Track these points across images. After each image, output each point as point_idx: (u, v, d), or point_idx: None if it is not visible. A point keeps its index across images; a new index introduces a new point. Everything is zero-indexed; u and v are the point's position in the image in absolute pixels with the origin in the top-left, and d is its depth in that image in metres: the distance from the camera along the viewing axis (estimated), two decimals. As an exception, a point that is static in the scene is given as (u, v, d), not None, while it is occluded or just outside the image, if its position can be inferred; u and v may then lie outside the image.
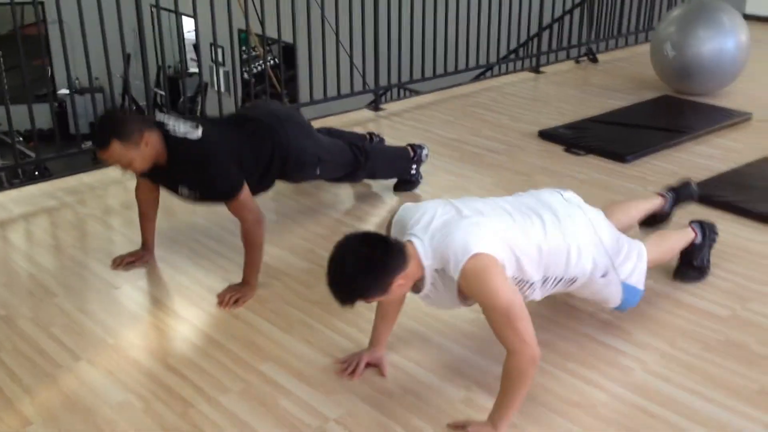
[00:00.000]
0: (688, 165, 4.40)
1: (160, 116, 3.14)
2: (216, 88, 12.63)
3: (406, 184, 4.05)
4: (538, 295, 2.59)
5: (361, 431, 2.39)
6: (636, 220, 3.22)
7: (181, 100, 11.91)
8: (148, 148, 2.96)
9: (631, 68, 6.38)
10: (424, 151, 4.08)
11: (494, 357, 2.56)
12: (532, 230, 2.50)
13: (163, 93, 12.63)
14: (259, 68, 10.44)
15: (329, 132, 4.00)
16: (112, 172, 4.41)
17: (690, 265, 3.18)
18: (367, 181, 4.09)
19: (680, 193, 3.40)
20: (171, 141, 3.04)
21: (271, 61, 11.27)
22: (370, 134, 4.27)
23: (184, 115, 3.14)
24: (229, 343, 2.84)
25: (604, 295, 2.76)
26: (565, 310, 3.00)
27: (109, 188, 4.20)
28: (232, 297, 3.09)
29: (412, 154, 4.03)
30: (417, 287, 2.42)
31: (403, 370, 2.68)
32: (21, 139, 9.39)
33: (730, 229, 3.61)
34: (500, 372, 2.31)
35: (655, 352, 2.75)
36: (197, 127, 3.08)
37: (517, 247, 2.42)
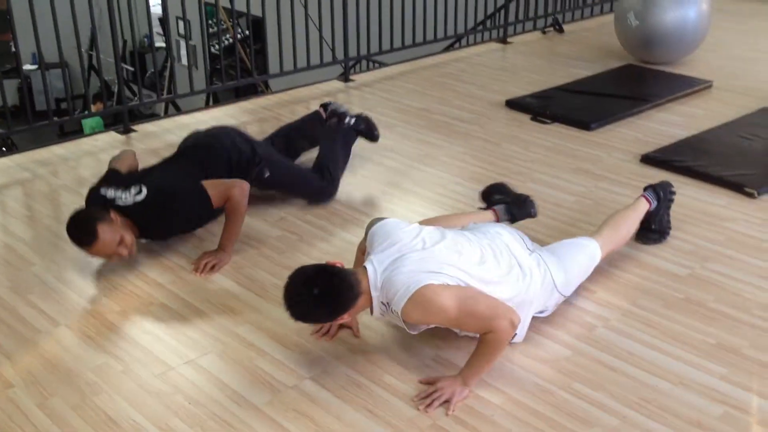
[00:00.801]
0: (651, 132, 4.51)
1: (105, 192, 3.17)
2: (183, 62, 12.55)
3: (367, 133, 4.01)
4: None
5: (335, 388, 2.48)
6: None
7: (148, 74, 11.86)
8: (119, 223, 3.04)
9: (597, 38, 6.46)
10: (350, 119, 4.00)
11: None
12: (499, 273, 2.57)
13: (132, 69, 12.52)
14: (228, 42, 10.39)
15: (287, 134, 4.01)
16: (84, 144, 4.45)
17: (650, 229, 3.28)
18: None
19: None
20: (128, 211, 3.11)
21: (240, 35, 11.25)
22: (324, 105, 4.17)
23: (124, 183, 3.20)
24: (206, 308, 2.91)
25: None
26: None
27: (82, 159, 4.23)
28: (207, 263, 3.16)
29: (354, 133, 3.98)
30: (371, 309, 2.51)
31: (376, 330, 2.77)
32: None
33: (690, 192, 3.74)
34: (470, 330, 2.43)
35: (617, 310, 2.87)
36: (139, 189, 3.15)
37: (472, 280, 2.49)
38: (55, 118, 5.06)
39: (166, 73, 11.41)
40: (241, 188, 3.22)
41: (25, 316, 2.86)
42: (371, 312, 2.52)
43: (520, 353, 2.63)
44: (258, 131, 4.28)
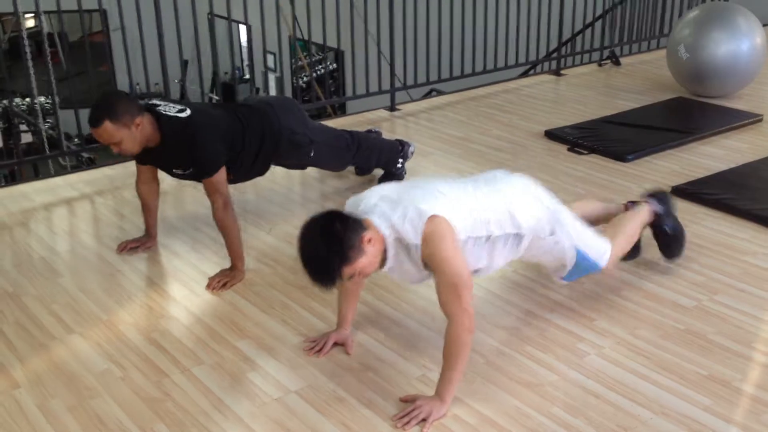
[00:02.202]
0: (689, 164, 4.46)
1: (154, 100, 3.36)
2: (270, 93, 12.96)
3: (391, 176, 4.18)
4: (492, 262, 2.71)
5: (317, 402, 2.56)
6: (594, 216, 3.23)
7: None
8: (138, 131, 3.18)
9: (653, 71, 6.41)
10: (411, 149, 4.25)
11: (450, 337, 2.70)
12: (473, 194, 2.66)
13: (217, 98, 12.99)
14: (311, 76, 10.75)
15: None
16: (132, 166, 4.66)
17: (665, 235, 3.24)
18: (358, 177, 4.27)
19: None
20: (163, 120, 3.25)
21: (322, 67, 11.61)
22: (368, 131, 4.42)
23: (176, 100, 3.38)
24: (211, 321, 3.04)
25: (554, 255, 2.86)
26: (534, 299, 3.12)
27: (127, 180, 4.44)
28: (220, 281, 3.29)
29: (400, 148, 4.19)
30: (382, 260, 2.54)
31: (367, 348, 2.83)
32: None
33: (713, 225, 3.68)
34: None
35: (612, 339, 2.86)
36: (185, 109, 3.30)
37: (462, 207, 2.57)
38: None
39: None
40: (224, 203, 3.27)
41: (44, 322, 3.04)
42: (384, 259, 2.51)
43: (504, 376, 2.65)
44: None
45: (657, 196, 3.30)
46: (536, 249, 2.81)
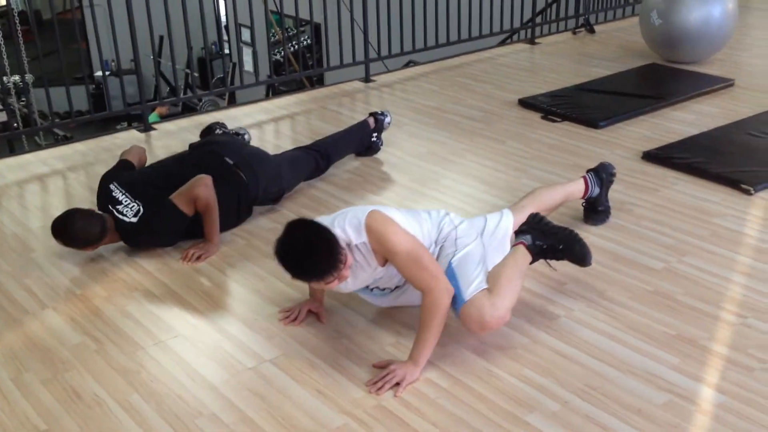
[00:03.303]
0: (661, 130, 4.49)
1: (113, 189, 3.37)
2: (247, 68, 12.88)
3: (367, 150, 4.21)
4: None
5: (291, 370, 2.58)
6: (556, 203, 3.25)
7: (213, 80, 12.19)
8: (107, 229, 3.28)
9: (627, 38, 6.43)
10: (387, 119, 4.25)
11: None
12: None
13: (196, 74, 12.92)
14: (287, 50, 10.71)
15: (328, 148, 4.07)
16: (104, 141, 4.65)
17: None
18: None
19: (601, 174, 3.41)
20: (119, 225, 3.31)
21: (292, 47, 11.56)
22: (372, 114, 4.33)
23: (132, 191, 3.37)
24: (185, 294, 3.05)
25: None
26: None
27: (100, 155, 4.42)
28: (194, 253, 3.29)
29: (373, 124, 4.20)
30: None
31: (341, 316, 2.86)
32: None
33: (685, 189, 3.72)
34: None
35: (582, 302, 2.90)
36: (138, 212, 3.29)
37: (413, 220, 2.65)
38: (121, 125, 5.33)
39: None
40: (204, 184, 3.29)
41: (17, 297, 3.04)
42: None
43: (476, 339, 2.68)
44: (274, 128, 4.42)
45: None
46: None
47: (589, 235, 3.27)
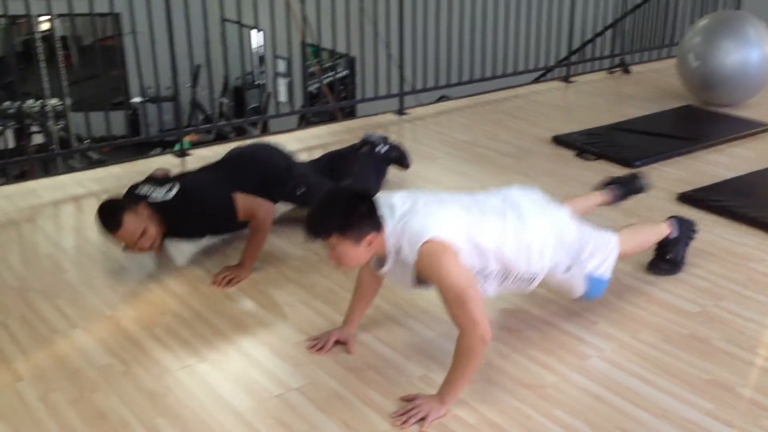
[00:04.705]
0: (697, 171, 4.44)
1: (140, 190, 3.40)
2: (281, 99, 13.01)
3: (397, 161, 4.18)
4: (492, 289, 2.70)
5: (318, 400, 2.56)
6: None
7: (250, 108, 12.32)
8: (146, 216, 3.24)
9: (662, 79, 6.40)
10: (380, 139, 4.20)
11: (453, 338, 2.69)
12: (490, 227, 2.61)
13: (230, 102, 13.06)
14: (322, 82, 10.81)
15: (332, 160, 4.12)
16: (139, 165, 4.69)
17: (663, 259, 3.28)
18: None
19: (627, 187, 3.47)
20: (157, 208, 3.30)
21: (333, 74, 11.69)
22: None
23: (159, 180, 3.44)
24: (214, 318, 3.04)
25: (566, 287, 2.87)
26: (536, 301, 3.11)
27: (134, 178, 4.43)
28: (225, 277, 3.30)
29: (369, 148, 4.14)
30: (381, 263, 2.58)
31: (370, 347, 2.83)
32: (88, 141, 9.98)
33: (719, 232, 3.67)
34: (461, 353, 2.47)
35: (614, 342, 2.85)
36: (171, 188, 3.34)
37: (473, 237, 2.56)
38: (155, 150, 5.40)
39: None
40: (266, 210, 3.37)
41: (48, 317, 3.06)
42: (383, 264, 2.56)
43: (505, 377, 2.65)
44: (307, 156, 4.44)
45: (681, 221, 3.34)
46: (548, 282, 2.82)
47: (624, 276, 3.23)
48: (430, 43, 5.75)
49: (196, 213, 3.34)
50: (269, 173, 3.64)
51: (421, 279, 2.55)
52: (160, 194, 3.33)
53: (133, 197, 3.35)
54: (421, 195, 2.64)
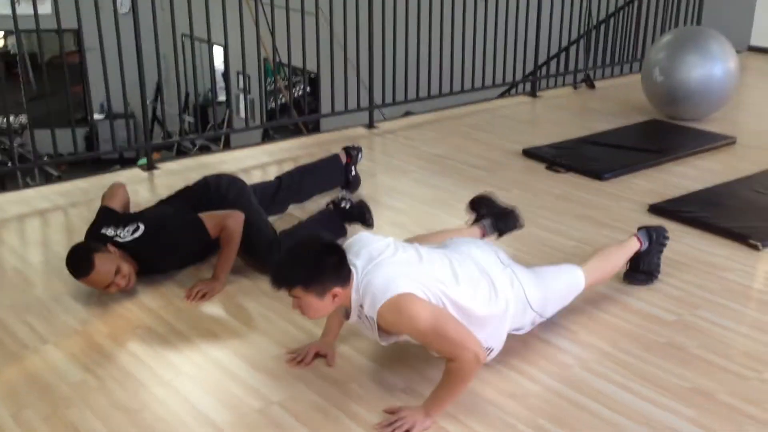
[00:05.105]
0: (665, 184, 4.49)
1: (104, 231, 3.32)
2: (241, 115, 12.95)
3: (347, 185, 4.19)
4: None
5: (299, 413, 2.51)
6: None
7: (210, 125, 12.19)
8: (117, 255, 3.18)
9: (628, 94, 6.47)
10: (360, 155, 4.26)
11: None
12: (461, 292, 2.54)
13: (191, 120, 12.97)
14: (282, 100, 10.77)
15: (300, 175, 4.12)
16: (106, 179, 4.60)
17: (637, 270, 3.28)
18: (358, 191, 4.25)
19: (503, 223, 3.35)
20: (126, 247, 3.25)
21: (298, 91, 11.64)
22: (345, 148, 4.32)
23: (122, 222, 3.36)
24: (189, 332, 2.98)
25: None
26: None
27: (100, 192, 4.36)
28: (199, 291, 3.24)
29: (345, 158, 4.21)
30: (347, 313, 2.56)
31: (350, 360, 2.80)
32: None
33: (691, 242, 3.70)
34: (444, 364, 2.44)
35: (595, 351, 2.85)
36: (136, 228, 3.29)
37: (445, 296, 2.49)
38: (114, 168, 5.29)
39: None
40: (235, 219, 3.32)
41: (16, 332, 2.97)
42: (346, 316, 2.54)
43: (489, 387, 2.63)
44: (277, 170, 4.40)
45: (649, 231, 3.30)
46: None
47: (600, 287, 3.23)
48: (399, 58, 5.74)
49: (168, 244, 3.30)
50: (213, 198, 3.58)
51: (389, 332, 2.52)
52: (126, 235, 3.27)
53: (98, 239, 3.28)
54: (399, 247, 2.58)
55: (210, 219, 3.31)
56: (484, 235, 3.22)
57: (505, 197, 4.26)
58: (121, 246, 3.24)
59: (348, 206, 3.82)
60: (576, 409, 2.53)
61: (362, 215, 3.76)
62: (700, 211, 3.97)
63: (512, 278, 2.70)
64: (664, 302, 3.18)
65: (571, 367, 2.76)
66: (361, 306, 2.45)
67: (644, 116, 5.77)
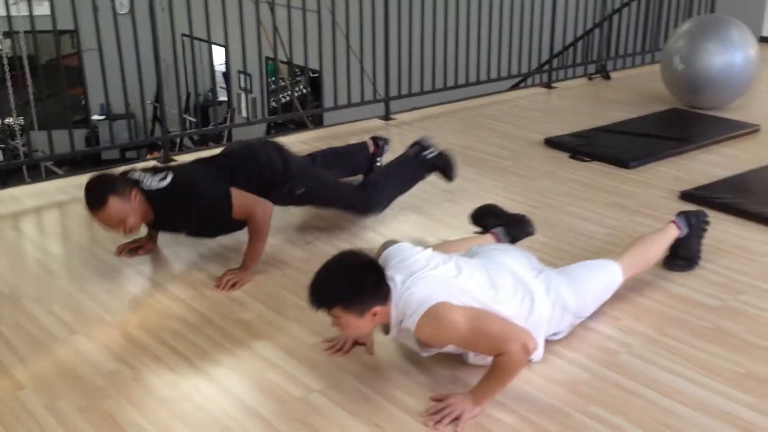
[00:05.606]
0: (692, 171, 4.41)
1: (134, 174, 3.23)
2: (242, 114, 12.85)
3: (367, 173, 4.10)
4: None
5: (343, 401, 2.43)
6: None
7: (213, 125, 12.12)
8: (137, 203, 3.09)
9: (644, 84, 6.40)
10: (387, 147, 4.19)
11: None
12: (503, 303, 2.48)
13: (193, 119, 12.87)
14: (286, 98, 10.65)
15: (328, 157, 4.02)
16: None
17: (677, 256, 3.21)
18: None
19: (516, 230, 3.20)
20: (149, 195, 3.15)
21: (299, 91, 11.56)
22: (373, 138, 4.28)
23: (155, 168, 3.29)
24: (223, 322, 2.90)
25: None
26: (556, 298, 3.02)
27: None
28: (229, 281, 3.15)
29: (373, 147, 4.15)
30: (386, 329, 2.49)
31: (390, 349, 2.71)
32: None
33: (727, 228, 3.63)
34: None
35: (641, 337, 2.77)
36: (165, 176, 3.19)
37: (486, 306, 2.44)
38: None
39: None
40: (264, 209, 3.23)
41: (45, 323, 2.89)
42: (386, 331, 2.49)
43: (537, 375, 2.55)
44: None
45: (688, 217, 3.21)
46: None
47: (641, 271, 3.15)
48: (415, 49, 5.66)
49: (189, 204, 3.17)
50: (266, 174, 3.49)
51: (427, 345, 2.45)
52: (153, 182, 3.17)
53: (125, 181, 3.17)
54: (438, 259, 2.51)
55: (240, 197, 3.20)
56: (498, 242, 3.12)
57: (531, 186, 4.22)
58: (144, 192, 3.14)
59: (430, 156, 3.80)
60: (630, 396, 2.45)
61: (444, 167, 3.86)
62: (732, 197, 3.90)
63: (547, 285, 2.63)
64: (707, 288, 3.10)
65: (619, 353, 2.68)
66: (401, 321, 2.39)
67: (663, 105, 5.69)
